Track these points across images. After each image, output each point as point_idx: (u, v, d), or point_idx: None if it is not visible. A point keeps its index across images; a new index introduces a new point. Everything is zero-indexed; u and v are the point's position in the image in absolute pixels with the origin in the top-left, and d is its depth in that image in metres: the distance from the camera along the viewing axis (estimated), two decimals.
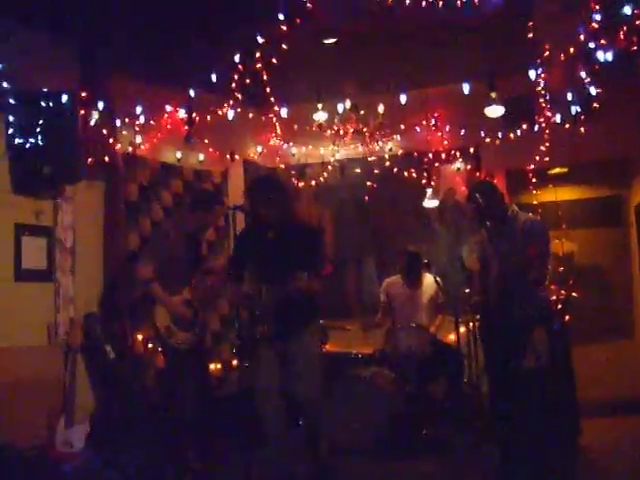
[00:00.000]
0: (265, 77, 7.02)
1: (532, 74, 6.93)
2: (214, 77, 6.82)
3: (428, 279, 7.26)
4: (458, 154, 8.33)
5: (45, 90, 5.89)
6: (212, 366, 6.82)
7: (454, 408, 6.82)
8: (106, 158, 6.79)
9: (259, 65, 6.80)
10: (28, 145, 5.70)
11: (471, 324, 5.94)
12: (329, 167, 8.68)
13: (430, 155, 8.34)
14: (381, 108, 8.10)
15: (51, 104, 5.79)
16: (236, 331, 5.66)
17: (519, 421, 5.18)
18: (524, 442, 5.15)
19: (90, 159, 6.52)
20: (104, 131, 6.76)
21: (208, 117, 7.44)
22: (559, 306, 7.03)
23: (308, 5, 5.95)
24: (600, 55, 5.97)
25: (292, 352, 4.90)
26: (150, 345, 6.84)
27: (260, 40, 6.44)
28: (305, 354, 4.92)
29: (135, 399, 6.45)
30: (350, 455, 6.14)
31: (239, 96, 7.05)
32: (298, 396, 4.93)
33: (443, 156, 8.35)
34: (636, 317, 8.22)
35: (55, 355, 6.08)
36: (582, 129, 7.02)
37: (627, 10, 5.63)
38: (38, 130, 5.67)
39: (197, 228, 6.07)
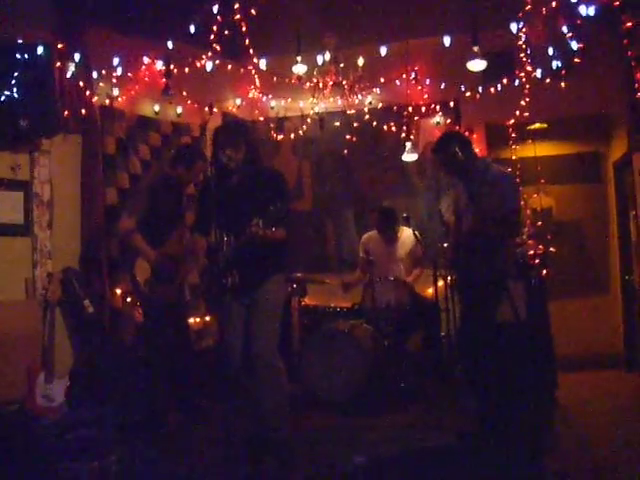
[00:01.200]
0: (244, 28, 6.94)
1: (514, 28, 6.88)
2: (192, 28, 6.70)
3: (407, 233, 7.29)
4: (438, 108, 8.28)
5: (21, 41, 5.79)
6: (191, 320, 6.83)
7: (431, 361, 6.92)
8: (83, 111, 6.66)
9: (238, 16, 6.72)
10: (3, 98, 5.61)
11: (449, 277, 5.98)
12: (308, 120, 8.63)
13: (410, 108, 8.28)
14: (361, 61, 8.02)
15: (27, 56, 5.70)
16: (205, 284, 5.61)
17: (496, 374, 5.25)
18: (501, 395, 5.22)
19: (67, 112, 6.42)
20: (81, 83, 6.62)
21: (186, 69, 7.36)
22: (537, 261, 7.09)
23: None
24: (582, 9, 5.92)
25: (254, 303, 4.67)
26: (129, 299, 6.84)
27: None
28: (265, 306, 4.67)
29: (114, 353, 6.46)
30: (328, 408, 6.24)
31: (218, 48, 6.97)
32: (253, 348, 4.61)
33: (423, 110, 8.30)
34: (612, 273, 8.31)
35: (33, 310, 6.02)
36: (563, 84, 7.02)
37: None
38: (13, 82, 5.58)
39: (179, 183, 6.05)
